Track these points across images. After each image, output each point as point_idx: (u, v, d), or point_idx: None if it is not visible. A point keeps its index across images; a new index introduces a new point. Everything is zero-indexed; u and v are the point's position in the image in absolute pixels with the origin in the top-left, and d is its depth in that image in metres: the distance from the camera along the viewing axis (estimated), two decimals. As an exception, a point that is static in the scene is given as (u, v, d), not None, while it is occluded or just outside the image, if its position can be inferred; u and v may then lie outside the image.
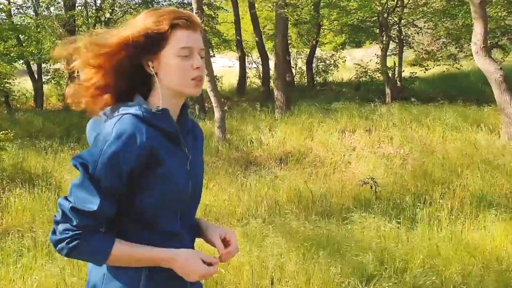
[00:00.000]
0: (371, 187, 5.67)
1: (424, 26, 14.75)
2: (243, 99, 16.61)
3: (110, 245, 1.41)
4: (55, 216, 1.42)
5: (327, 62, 18.77)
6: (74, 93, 1.51)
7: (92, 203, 1.37)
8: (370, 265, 3.74)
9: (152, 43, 1.45)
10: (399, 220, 4.80)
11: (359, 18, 12.95)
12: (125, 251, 1.43)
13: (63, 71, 14.97)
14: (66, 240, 1.39)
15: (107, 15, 14.22)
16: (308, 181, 6.71)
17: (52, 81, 14.67)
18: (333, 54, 18.62)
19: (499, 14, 12.30)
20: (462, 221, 4.74)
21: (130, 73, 1.50)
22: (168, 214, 1.49)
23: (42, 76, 14.58)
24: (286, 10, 12.14)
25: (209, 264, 1.49)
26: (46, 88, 15.88)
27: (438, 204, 5.38)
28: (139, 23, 1.46)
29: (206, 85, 9.35)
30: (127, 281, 1.46)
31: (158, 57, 1.47)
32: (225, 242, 1.59)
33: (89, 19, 13.83)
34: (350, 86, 17.18)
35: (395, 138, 8.64)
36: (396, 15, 13.82)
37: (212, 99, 9.29)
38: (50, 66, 14.56)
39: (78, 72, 1.53)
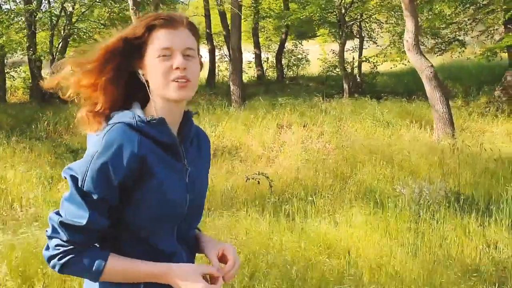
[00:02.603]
0: (258, 182, 5.83)
1: (386, 21, 14.82)
2: (211, 93, 16.79)
3: (104, 260, 1.33)
4: (47, 231, 1.35)
5: (299, 56, 18.91)
6: (83, 120, 1.42)
7: (81, 217, 1.29)
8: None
9: (132, 48, 1.39)
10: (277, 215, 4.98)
11: (315, 13, 13.01)
12: (119, 266, 1.34)
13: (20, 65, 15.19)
14: (58, 256, 1.32)
15: (70, 9, 14.32)
16: (224, 176, 6.88)
17: (14, 75, 14.82)
18: (300, 49, 18.69)
19: (454, 10, 12.35)
20: (327, 215, 4.92)
21: (124, 82, 1.43)
22: (163, 229, 1.41)
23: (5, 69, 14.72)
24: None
25: (212, 279, 1.40)
26: (18, 81, 16.10)
27: (324, 198, 5.56)
28: (119, 32, 1.41)
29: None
30: None
31: (144, 63, 1.40)
32: (224, 259, 1.48)
33: (51, 12, 13.96)
34: (317, 81, 17.32)
35: (325, 134, 8.80)
36: (357, 10, 13.89)
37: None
38: (7, 60, 14.73)
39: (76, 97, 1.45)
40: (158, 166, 1.35)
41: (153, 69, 1.37)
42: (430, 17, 12.37)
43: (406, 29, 8.99)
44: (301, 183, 6.32)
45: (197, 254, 1.56)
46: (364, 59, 14.44)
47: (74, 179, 1.30)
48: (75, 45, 15.60)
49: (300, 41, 19.07)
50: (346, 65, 14.06)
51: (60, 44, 14.48)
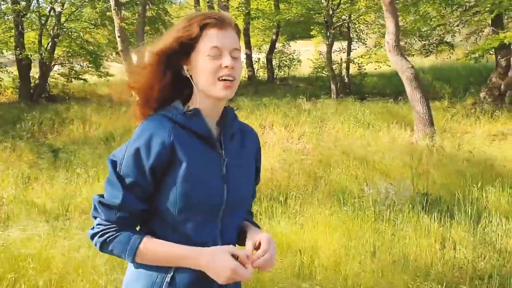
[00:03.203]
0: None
1: (374, 22, 14.86)
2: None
3: (138, 240, 1.40)
4: (92, 211, 1.46)
5: (290, 57, 18.95)
6: (135, 115, 1.54)
7: (116, 197, 1.39)
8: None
9: (185, 47, 1.44)
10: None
11: (301, 14, 13.06)
12: (152, 247, 1.41)
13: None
14: (99, 234, 1.42)
15: (58, 9, 14.34)
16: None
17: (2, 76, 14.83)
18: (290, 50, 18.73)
19: (439, 11, 12.40)
20: (294, 215, 4.96)
21: (172, 79, 1.49)
22: (197, 218, 1.43)
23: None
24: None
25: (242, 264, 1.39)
26: (7, 81, 16.13)
27: (294, 198, 5.60)
28: (172, 33, 1.46)
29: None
30: (150, 281, 1.44)
31: (191, 60, 1.45)
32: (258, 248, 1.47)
33: (40, 12, 14.01)
34: (307, 82, 17.36)
35: (306, 134, 8.84)
36: (345, 12, 13.93)
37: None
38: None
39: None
40: (189, 155, 1.40)
41: (202, 66, 1.42)
42: (415, 18, 12.39)
43: (387, 31, 9.04)
44: (275, 183, 6.35)
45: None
46: (349, 60, 14.47)
47: (113, 163, 1.42)
48: (65, 44, 15.66)
49: (288, 42, 19.09)
50: (334, 66, 14.09)
51: (49, 44, 14.52)
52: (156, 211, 1.44)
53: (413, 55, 16.31)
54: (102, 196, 1.43)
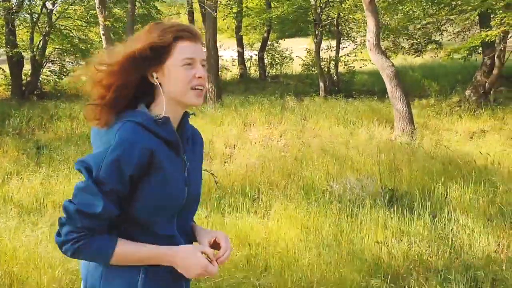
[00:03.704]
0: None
1: (362, 20, 14.93)
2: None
3: (113, 245, 1.46)
4: (60, 218, 1.46)
5: (283, 55, 19.05)
6: (90, 112, 1.55)
7: (96, 206, 1.41)
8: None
9: (156, 55, 1.51)
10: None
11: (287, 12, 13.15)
12: (127, 250, 1.48)
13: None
14: (71, 242, 1.43)
15: (50, 7, 14.46)
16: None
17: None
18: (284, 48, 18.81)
19: (424, 10, 12.49)
20: (261, 209, 5.10)
21: (136, 84, 1.55)
22: (163, 218, 1.54)
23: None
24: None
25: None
26: None
27: (265, 194, 5.73)
28: (143, 37, 1.52)
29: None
30: (125, 281, 1.51)
31: (162, 68, 1.52)
32: (216, 245, 1.63)
33: (31, 10, 14.12)
34: (298, 79, 17.46)
35: (288, 132, 8.96)
36: (333, 10, 14.02)
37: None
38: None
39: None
40: (164, 162, 1.49)
41: (176, 75, 1.52)
42: (400, 16, 12.48)
43: (368, 29, 9.14)
44: (249, 179, 6.48)
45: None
46: (333, 58, 14.56)
47: (89, 170, 1.44)
48: (57, 42, 15.78)
49: (277, 40, 19.18)
50: (323, 64, 14.19)
51: (41, 42, 14.65)
52: (127, 214, 1.49)
53: (402, 53, 16.40)
54: (72, 202, 1.44)
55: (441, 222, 4.67)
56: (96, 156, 1.44)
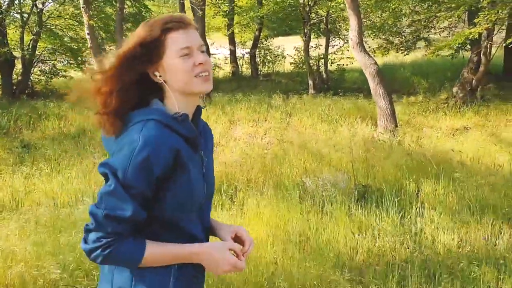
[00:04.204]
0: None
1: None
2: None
3: (143, 248, 1.44)
4: (87, 225, 1.43)
5: (275, 53, 19.11)
6: (98, 122, 1.52)
7: (125, 210, 1.38)
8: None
9: (149, 51, 1.47)
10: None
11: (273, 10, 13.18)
12: (156, 252, 1.46)
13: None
14: (101, 248, 1.40)
15: (40, 6, 14.51)
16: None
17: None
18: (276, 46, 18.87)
19: (416, 7, 12.54)
20: (235, 206, 5.18)
21: (138, 83, 1.51)
22: (186, 216, 1.52)
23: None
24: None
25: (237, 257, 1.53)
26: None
27: (242, 191, 5.81)
28: (133, 37, 1.49)
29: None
30: (157, 281, 1.49)
31: (162, 65, 1.49)
32: (238, 239, 1.63)
33: (21, 9, 14.18)
34: (290, 77, 17.51)
35: (272, 129, 9.03)
36: (321, 8, 14.07)
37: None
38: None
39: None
40: (187, 161, 1.46)
41: (175, 68, 1.47)
42: (387, 14, 12.54)
43: (350, 28, 9.21)
44: (228, 177, 6.55)
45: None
46: (322, 56, 14.62)
47: (114, 174, 1.38)
48: (48, 41, 15.82)
49: (266, 38, 19.23)
50: (312, 61, 14.25)
51: (31, 41, 14.70)
52: (153, 214, 1.47)
53: (396, 51, 16.43)
54: (99, 208, 1.41)
55: (408, 218, 4.75)
56: (121, 158, 1.39)
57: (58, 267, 3.39)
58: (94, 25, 16.04)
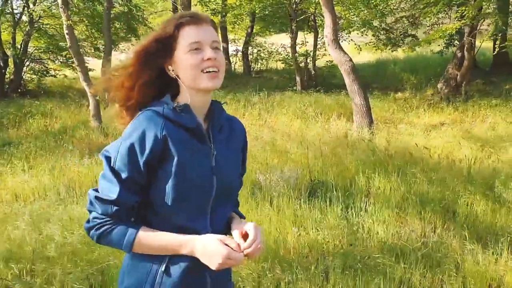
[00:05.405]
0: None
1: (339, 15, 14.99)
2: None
3: (135, 232, 1.48)
4: (87, 205, 1.53)
5: (269, 50, 19.17)
6: (117, 114, 1.63)
7: (112, 192, 1.45)
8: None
9: (164, 47, 1.52)
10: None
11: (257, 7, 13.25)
12: (148, 238, 1.48)
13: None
14: (95, 227, 1.48)
15: (31, 6, 14.72)
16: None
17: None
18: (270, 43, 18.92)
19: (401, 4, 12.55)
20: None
21: (157, 78, 1.57)
22: (189, 209, 1.51)
23: None
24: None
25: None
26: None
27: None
28: (151, 34, 1.56)
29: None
30: (147, 269, 1.52)
31: (175, 60, 1.53)
32: (245, 236, 1.55)
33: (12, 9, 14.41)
34: (281, 74, 17.60)
35: (247, 127, 9.14)
36: (308, 4, 14.11)
37: (86, 88, 9.79)
38: None
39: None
40: (180, 148, 1.47)
41: (184, 62, 1.50)
42: (369, 12, 12.55)
43: (325, 24, 9.26)
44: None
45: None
46: (308, 53, 14.66)
47: (108, 159, 1.49)
48: (43, 40, 16.06)
49: (254, 35, 19.28)
50: (300, 58, 14.31)
51: (23, 41, 14.94)
52: (149, 203, 1.51)
53: (387, 48, 16.42)
54: (97, 190, 1.50)
55: (351, 212, 4.83)
56: (114, 145, 1.49)
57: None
58: (88, 24, 16.32)
